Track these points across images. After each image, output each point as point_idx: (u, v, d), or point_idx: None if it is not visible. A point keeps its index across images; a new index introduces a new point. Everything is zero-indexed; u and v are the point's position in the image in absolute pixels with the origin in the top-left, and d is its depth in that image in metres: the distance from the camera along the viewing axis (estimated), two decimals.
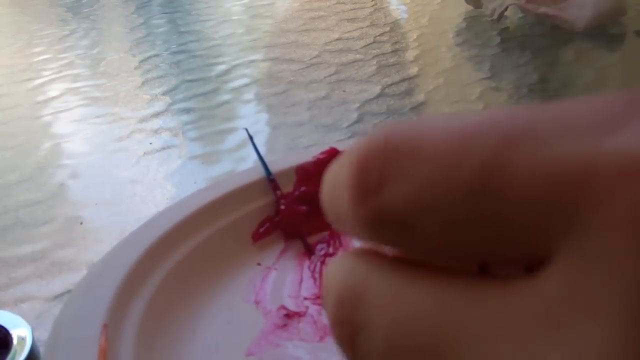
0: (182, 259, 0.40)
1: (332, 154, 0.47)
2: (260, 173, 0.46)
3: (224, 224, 0.43)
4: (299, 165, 0.46)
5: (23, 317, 0.39)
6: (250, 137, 0.51)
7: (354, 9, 1.01)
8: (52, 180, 0.58)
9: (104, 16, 1.13)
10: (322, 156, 0.47)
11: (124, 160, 0.61)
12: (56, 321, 0.35)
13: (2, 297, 0.44)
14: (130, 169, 0.59)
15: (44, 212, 0.53)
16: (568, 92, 0.67)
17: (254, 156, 0.51)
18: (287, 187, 0.45)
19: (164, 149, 0.62)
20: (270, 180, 0.45)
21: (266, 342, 0.36)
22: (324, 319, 0.37)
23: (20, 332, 0.37)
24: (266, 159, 0.47)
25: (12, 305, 0.43)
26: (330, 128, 0.63)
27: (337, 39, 0.87)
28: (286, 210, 0.44)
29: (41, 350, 0.36)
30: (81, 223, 0.51)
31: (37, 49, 0.95)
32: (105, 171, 0.59)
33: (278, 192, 0.45)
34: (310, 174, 0.46)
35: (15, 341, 0.36)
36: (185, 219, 0.42)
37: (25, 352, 0.35)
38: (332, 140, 0.60)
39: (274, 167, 0.46)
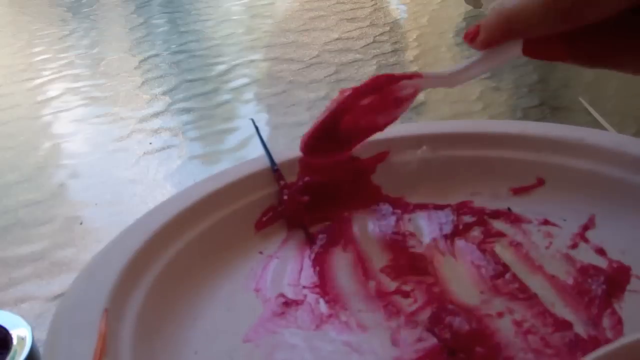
0: (185, 246, 0.40)
1: None
2: (264, 163, 0.46)
3: (228, 213, 0.43)
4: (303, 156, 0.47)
5: (23, 317, 0.39)
6: (256, 127, 0.51)
7: (354, 8, 1.01)
8: (52, 180, 0.58)
9: (103, 16, 1.13)
10: None
11: (124, 160, 0.61)
12: (59, 306, 0.36)
13: (2, 297, 0.44)
14: (130, 169, 0.59)
15: (43, 212, 0.53)
16: (568, 92, 0.68)
17: (254, 155, 0.51)
18: (290, 178, 0.45)
19: (163, 149, 0.62)
20: (275, 170, 0.45)
21: (263, 329, 0.36)
22: (321, 308, 0.37)
23: (20, 332, 0.37)
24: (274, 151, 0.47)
25: (12, 305, 0.43)
26: None
27: (337, 39, 0.87)
28: (289, 200, 0.44)
29: (41, 350, 0.36)
30: (81, 223, 0.51)
31: (37, 49, 0.95)
32: (105, 171, 0.59)
33: (282, 182, 0.45)
34: (314, 165, 0.46)
35: (15, 341, 0.36)
36: (189, 206, 0.42)
37: (25, 352, 0.35)
38: None
39: (278, 158, 0.46)
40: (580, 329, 0.33)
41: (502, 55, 0.38)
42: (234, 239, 0.42)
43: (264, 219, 0.44)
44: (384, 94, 0.42)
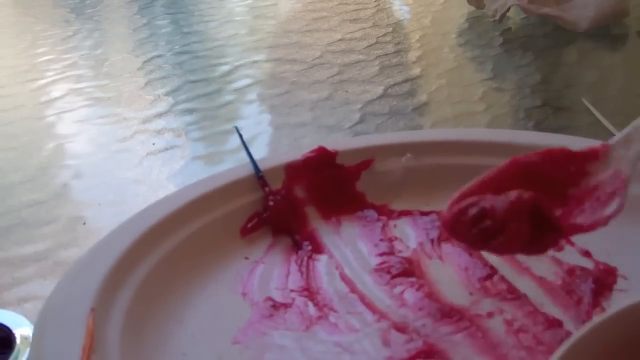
0: (171, 250, 0.41)
1: (321, 152, 0.47)
2: (249, 170, 0.46)
3: (213, 218, 0.44)
4: (288, 163, 0.47)
5: (26, 316, 0.39)
6: (240, 135, 0.51)
7: (357, 9, 1.01)
8: (55, 181, 0.59)
9: (107, 17, 1.13)
10: (311, 154, 0.47)
11: (127, 161, 0.61)
12: (45, 304, 0.36)
13: (6, 296, 0.44)
14: (133, 170, 0.59)
15: (47, 212, 0.53)
16: (570, 92, 0.67)
17: (257, 156, 0.51)
18: (276, 184, 0.46)
19: (166, 149, 0.62)
20: (259, 177, 0.45)
21: (252, 331, 0.36)
22: (310, 310, 0.37)
23: (23, 331, 0.37)
24: (260, 157, 0.48)
25: (15, 305, 0.43)
26: (332, 129, 0.63)
27: (340, 40, 0.88)
28: (274, 207, 0.44)
29: None
30: (84, 223, 0.51)
31: (40, 50, 0.95)
32: (108, 171, 0.60)
33: (267, 189, 0.45)
34: (300, 171, 0.46)
35: (18, 340, 0.37)
36: (176, 211, 0.42)
37: (28, 351, 0.36)
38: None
39: (264, 165, 0.46)
40: (570, 326, 0.34)
41: None
42: (220, 245, 0.42)
43: (249, 225, 0.44)
44: (576, 197, 0.32)
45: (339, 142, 0.50)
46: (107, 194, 0.55)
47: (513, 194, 0.31)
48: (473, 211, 0.32)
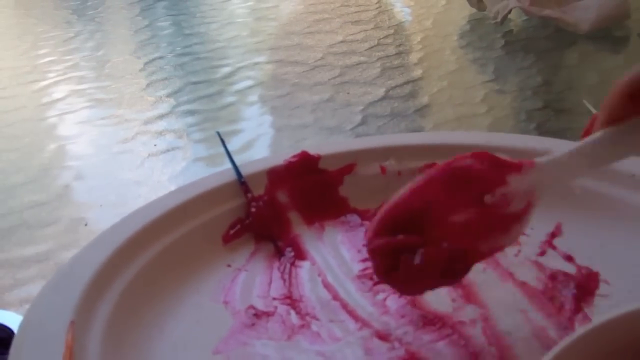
0: (152, 259, 0.40)
1: (303, 157, 0.47)
2: (231, 176, 0.46)
3: (195, 225, 0.43)
4: (271, 168, 0.46)
5: None
6: (222, 141, 0.50)
7: (358, 11, 1.01)
8: (57, 182, 0.59)
9: (108, 18, 1.13)
10: (293, 159, 0.47)
11: (129, 162, 0.61)
12: (25, 317, 0.35)
13: (7, 298, 0.44)
14: (134, 171, 0.59)
15: (48, 214, 0.53)
16: (572, 94, 0.68)
17: (258, 157, 0.52)
18: (258, 190, 0.45)
19: (168, 150, 0.62)
20: (242, 183, 0.45)
21: (234, 341, 0.36)
22: (293, 319, 0.37)
23: None
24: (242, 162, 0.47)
25: (17, 306, 0.43)
26: (334, 130, 0.63)
27: (341, 42, 0.88)
28: (257, 213, 0.44)
29: None
30: (86, 224, 0.51)
31: (42, 51, 0.95)
32: (110, 173, 0.60)
33: (249, 195, 0.45)
34: (282, 177, 0.46)
35: None
36: (156, 219, 0.42)
37: None
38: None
39: (246, 170, 0.46)
40: (553, 333, 0.34)
41: (634, 135, 0.31)
42: (202, 252, 0.42)
43: (232, 232, 0.44)
44: (487, 209, 0.32)
45: (321, 146, 0.49)
46: (108, 195, 0.55)
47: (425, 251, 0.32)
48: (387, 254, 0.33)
